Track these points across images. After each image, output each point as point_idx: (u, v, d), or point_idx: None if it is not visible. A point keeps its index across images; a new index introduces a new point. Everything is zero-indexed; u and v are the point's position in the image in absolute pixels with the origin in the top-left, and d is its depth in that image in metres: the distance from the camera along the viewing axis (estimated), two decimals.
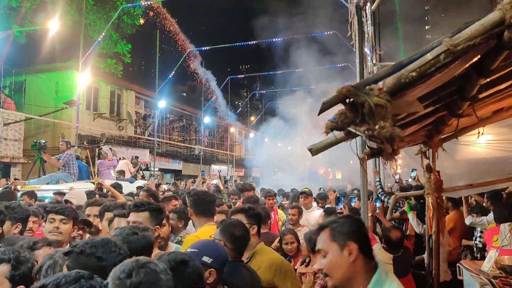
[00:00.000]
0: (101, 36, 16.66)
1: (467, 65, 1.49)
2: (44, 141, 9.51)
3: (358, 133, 1.70)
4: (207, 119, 27.93)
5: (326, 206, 6.17)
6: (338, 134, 2.06)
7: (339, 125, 1.52)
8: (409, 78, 1.34)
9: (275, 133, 39.52)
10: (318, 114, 1.44)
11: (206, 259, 1.99)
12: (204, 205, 3.38)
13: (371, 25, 6.91)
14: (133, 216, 2.68)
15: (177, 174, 25.97)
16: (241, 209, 2.84)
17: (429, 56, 1.31)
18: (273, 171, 31.84)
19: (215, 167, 29.80)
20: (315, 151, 2.10)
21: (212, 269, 1.99)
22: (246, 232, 2.53)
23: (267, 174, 32.92)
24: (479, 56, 1.48)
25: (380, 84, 1.42)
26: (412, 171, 6.74)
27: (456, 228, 5.38)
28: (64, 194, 6.66)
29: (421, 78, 1.36)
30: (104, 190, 7.61)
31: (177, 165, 25.76)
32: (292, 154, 33.26)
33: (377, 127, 1.35)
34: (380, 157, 3.83)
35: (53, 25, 14.19)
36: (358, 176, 4.11)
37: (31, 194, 5.81)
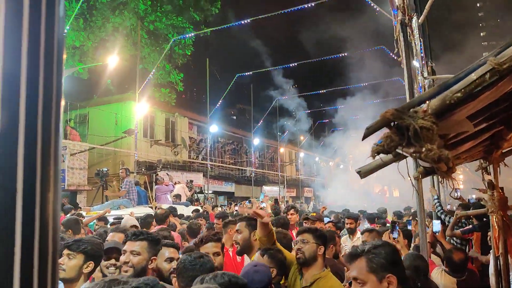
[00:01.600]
0: (155, 68, 17.66)
1: None
2: (106, 169, 10.18)
3: (406, 154, 1.68)
4: (256, 141, 28.28)
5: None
6: (385, 156, 2.04)
7: (385, 149, 1.52)
8: (454, 99, 1.33)
9: (326, 152, 39.03)
10: (362, 139, 1.46)
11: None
12: None
13: (420, 38, 6.75)
14: (129, 245, 2.53)
15: (229, 196, 26.35)
16: (308, 229, 2.89)
17: (473, 76, 1.29)
18: (325, 191, 31.29)
19: (266, 188, 29.88)
20: (363, 173, 2.09)
21: None
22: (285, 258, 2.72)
23: (320, 194, 32.41)
24: None
25: (425, 106, 1.41)
26: (456, 190, 6.35)
27: None
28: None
29: (467, 98, 1.34)
30: None
31: (229, 187, 26.17)
32: (344, 172, 32.59)
33: (424, 149, 1.34)
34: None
35: (112, 60, 15.32)
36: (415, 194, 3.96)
37: (104, 219, 6.19)
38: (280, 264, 2.60)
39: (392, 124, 1.47)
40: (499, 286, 3.10)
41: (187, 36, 20.13)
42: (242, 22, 17.12)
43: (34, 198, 0.47)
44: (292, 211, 6.35)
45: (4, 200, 0.44)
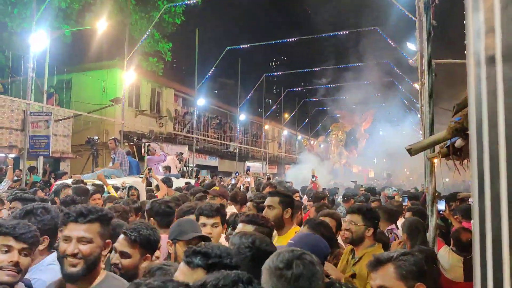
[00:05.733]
0: (145, 36, 17.09)
1: None
2: (96, 138, 9.95)
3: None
4: (242, 117, 28.14)
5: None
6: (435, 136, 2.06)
7: (464, 126, 1.53)
8: None
9: (308, 131, 39.31)
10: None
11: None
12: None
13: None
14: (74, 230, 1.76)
15: (213, 170, 26.36)
16: (358, 209, 2.78)
17: None
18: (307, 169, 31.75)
19: (249, 164, 30.02)
20: (414, 151, 2.11)
21: None
22: (333, 234, 2.65)
23: (301, 171, 32.83)
24: None
25: None
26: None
27: None
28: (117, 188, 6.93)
29: None
30: (154, 183, 7.91)
31: (213, 161, 26.15)
32: (327, 152, 33.07)
33: None
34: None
35: (100, 25, 14.70)
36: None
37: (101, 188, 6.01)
38: (330, 237, 2.49)
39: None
40: None
41: (178, 4, 19.49)
42: None
43: None
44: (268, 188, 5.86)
45: None
